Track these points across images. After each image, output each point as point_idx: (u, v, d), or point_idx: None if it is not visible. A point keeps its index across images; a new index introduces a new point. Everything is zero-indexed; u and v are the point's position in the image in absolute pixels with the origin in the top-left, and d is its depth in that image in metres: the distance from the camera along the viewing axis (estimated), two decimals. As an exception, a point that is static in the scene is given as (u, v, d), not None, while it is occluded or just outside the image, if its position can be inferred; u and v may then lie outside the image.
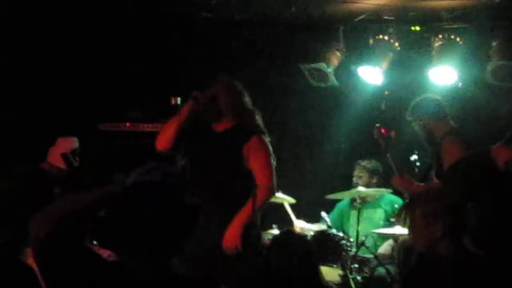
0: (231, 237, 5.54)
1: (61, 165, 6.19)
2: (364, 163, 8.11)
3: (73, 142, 6.34)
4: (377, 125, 6.44)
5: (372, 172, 8.04)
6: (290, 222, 7.88)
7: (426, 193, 4.58)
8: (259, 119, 5.89)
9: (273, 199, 7.39)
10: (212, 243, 5.50)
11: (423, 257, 4.43)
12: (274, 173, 5.77)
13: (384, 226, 7.62)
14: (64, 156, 6.19)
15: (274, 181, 5.77)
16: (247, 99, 5.89)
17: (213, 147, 5.77)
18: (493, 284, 4.15)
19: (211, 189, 5.58)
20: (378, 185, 7.92)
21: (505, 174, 5.17)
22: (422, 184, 6.18)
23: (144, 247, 2.84)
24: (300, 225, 7.82)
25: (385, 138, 6.32)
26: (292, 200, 7.82)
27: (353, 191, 7.82)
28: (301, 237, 6.18)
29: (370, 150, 8.14)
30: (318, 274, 5.18)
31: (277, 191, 6.42)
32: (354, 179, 8.10)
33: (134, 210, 2.86)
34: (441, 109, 6.24)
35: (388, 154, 6.39)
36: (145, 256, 2.83)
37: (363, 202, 7.81)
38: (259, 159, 5.72)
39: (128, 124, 7.82)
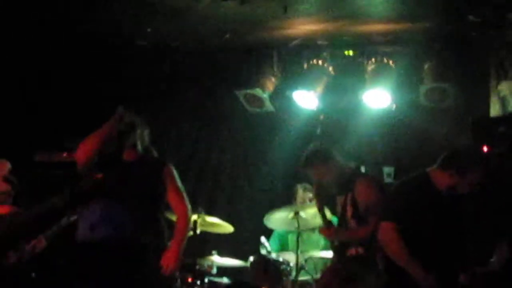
0: (170, 258, 5.72)
1: (3, 188, 6.18)
2: (307, 185, 8.11)
3: (6, 163, 6.32)
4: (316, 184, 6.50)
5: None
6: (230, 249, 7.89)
7: None
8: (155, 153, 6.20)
9: (213, 227, 7.44)
10: None
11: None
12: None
13: (325, 247, 7.62)
14: (5, 178, 6.18)
15: (189, 205, 6.06)
16: (147, 134, 6.13)
17: (129, 175, 5.88)
18: None
19: (129, 216, 5.70)
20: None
21: (446, 197, 5.28)
22: (348, 231, 6.23)
23: None
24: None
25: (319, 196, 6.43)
26: (231, 228, 7.79)
27: (290, 215, 7.77)
28: None
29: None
30: None
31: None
32: (299, 201, 8.04)
33: None
34: (333, 153, 6.23)
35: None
36: None
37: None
38: (174, 186, 6.03)
39: (65, 154, 7.73)
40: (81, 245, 5.72)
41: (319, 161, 6.19)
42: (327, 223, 6.33)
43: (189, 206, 6.08)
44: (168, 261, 5.70)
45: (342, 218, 6.21)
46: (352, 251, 6.04)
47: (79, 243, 5.73)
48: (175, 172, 6.09)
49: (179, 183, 6.07)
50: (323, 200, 6.41)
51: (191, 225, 6.30)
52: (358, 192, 5.99)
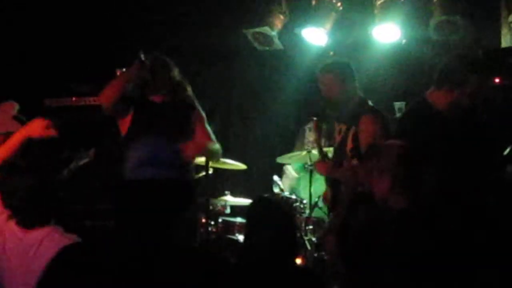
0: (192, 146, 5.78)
1: (14, 128, 6.18)
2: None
3: (13, 104, 6.33)
4: (314, 118, 6.37)
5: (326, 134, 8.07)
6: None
7: (378, 150, 4.59)
8: (189, 91, 6.13)
9: (224, 165, 7.47)
10: None
11: (372, 211, 4.48)
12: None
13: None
14: (16, 118, 6.18)
15: (215, 141, 6.09)
16: (177, 73, 6.07)
17: (159, 116, 5.93)
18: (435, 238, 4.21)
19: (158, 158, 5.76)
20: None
21: (447, 118, 5.15)
22: (340, 168, 6.16)
23: None
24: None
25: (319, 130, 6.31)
26: (243, 166, 7.82)
27: (303, 153, 7.81)
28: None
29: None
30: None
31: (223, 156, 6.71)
32: (310, 143, 8.05)
33: None
34: (353, 76, 5.98)
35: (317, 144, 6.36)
36: None
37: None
38: (203, 129, 6.08)
39: (74, 99, 7.74)
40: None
41: (339, 72, 5.95)
42: (323, 156, 6.23)
43: (218, 145, 6.11)
44: (189, 147, 5.76)
45: (339, 149, 5.98)
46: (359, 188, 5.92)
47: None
48: (204, 116, 6.12)
49: (207, 126, 6.12)
50: (321, 130, 6.27)
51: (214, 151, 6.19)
52: (361, 129, 5.70)
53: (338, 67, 6.03)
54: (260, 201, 4.53)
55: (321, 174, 6.46)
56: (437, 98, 5.15)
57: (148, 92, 6.03)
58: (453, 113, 5.10)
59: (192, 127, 6.01)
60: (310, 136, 8.10)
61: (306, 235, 7.19)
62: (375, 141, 5.58)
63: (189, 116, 6.02)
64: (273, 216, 4.24)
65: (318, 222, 7.36)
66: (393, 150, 4.45)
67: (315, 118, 6.26)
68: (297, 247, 4.19)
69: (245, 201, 7.67)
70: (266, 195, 7.32)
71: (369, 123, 5.72)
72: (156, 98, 6.01)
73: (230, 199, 7.66)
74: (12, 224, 4.36)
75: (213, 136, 6.12)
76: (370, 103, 5.95)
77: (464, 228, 4.60)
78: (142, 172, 5.74)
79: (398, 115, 8.38)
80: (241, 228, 7.35)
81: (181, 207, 5.77)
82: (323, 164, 6.10)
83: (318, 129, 6.32)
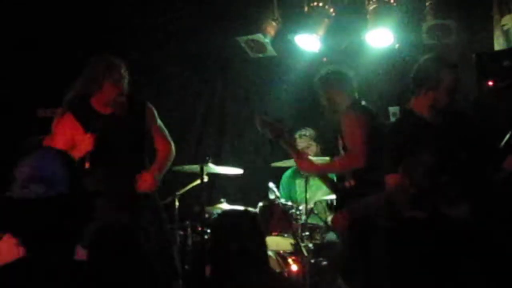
0: (147, 177, 5.77)
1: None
2: (306, 132, 8.12)
3: None
4: (258, 115, 6.39)
5: (316, 140, 8.07)
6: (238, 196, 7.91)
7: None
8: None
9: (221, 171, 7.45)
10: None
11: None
12: None
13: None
14: None
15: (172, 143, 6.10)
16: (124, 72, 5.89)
17: (113, 126, 5.84)
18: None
19: (121, 167, 5.78)
20: (321, 152, 7.96)
21: (431, 123, 5.18)
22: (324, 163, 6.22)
23: None
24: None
25: (273, 127, 6.28)
26: (239, 171, 7.80)
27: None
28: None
29: (311, 118, 8.18)
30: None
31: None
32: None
33: None
34: (347, 82, 6.13)
35: (282, 142, 6.34)
36: None
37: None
38: (156, 124, 6.05)
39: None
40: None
41: (329, 85, 6.12)
42: (296, 152, 6.25)
43: (172, 144, 6.09)
44: (144, 180, 5.76)
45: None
46: (346, 184, 5.98)
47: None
48: (154, 109, 6.07)
49: (160, 123, 6.08)
50: (278, 130, 6.26)
51: (171, 160, 6.18)
52: (343, 127, 5.89)
53: (328, 79, 6.20)
54: (222, 215, 4.52)
55: (304, 171, 6.53)
56: (419, 105, 5.23)
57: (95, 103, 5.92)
58: (437, 116, 5.14)
59: (148, 129, 5.97)
60: (301, 143, 8.08)
61: (302, 241, 7.17)
62: (350, 138, 5.66)
63: (143, 118, 5.96)
64: (234, 230, 4.21)
65: (314, 228, 7.35)
66: (416, 163, 4.47)
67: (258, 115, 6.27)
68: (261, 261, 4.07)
69: (241, 209, 7.65)
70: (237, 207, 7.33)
71: (346, 122, 5.88)
72: (105, 109, 5.90)
73: (226, 207, 7.63)
74: None
75: (167, 133, 6.11)
76: (362, 103, 6.00)
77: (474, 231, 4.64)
78: None
79: (392, 119, 8.39)
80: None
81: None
82: (299, 160, 6.16)
83: (266, 124, 6.28)
